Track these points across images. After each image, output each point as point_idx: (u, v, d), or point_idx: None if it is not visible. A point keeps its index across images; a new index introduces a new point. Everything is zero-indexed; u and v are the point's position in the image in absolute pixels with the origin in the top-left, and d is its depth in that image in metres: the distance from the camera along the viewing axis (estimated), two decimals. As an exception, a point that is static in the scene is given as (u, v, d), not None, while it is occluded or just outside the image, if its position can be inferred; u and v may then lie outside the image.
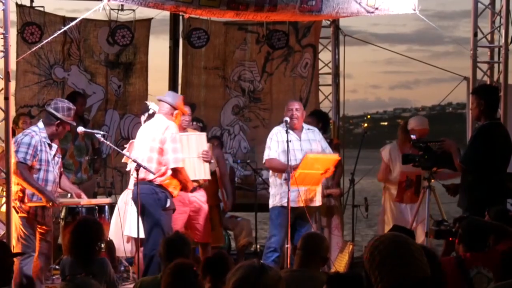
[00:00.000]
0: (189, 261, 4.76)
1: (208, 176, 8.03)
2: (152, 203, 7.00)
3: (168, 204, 7.07)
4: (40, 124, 6.84)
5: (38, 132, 6.76)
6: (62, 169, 7.17)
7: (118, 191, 8.75)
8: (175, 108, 7.21)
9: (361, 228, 14.21)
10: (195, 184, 7.84)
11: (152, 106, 7.49)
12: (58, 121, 6.76)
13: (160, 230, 6.93)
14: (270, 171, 7.91)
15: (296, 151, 7.61)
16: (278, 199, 7.73)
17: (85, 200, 7.36)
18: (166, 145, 7.03)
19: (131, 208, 7.43)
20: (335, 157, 7.94)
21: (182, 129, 7.99)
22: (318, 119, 8.91)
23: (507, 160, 6.81)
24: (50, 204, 6.76)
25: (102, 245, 5.76)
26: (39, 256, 6.79)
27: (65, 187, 7.22)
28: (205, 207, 7.98)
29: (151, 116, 7.45)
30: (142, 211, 6.90)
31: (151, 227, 6.98)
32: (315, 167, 7.64)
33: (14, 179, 6.73)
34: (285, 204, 7.60)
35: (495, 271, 4.60)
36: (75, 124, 6.94)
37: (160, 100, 7.29)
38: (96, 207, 7.95)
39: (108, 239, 7.72)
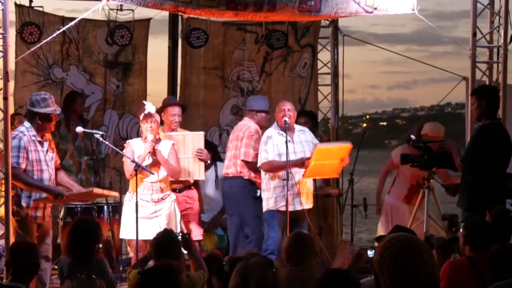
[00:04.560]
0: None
1: (202, 177, 8.04)
2: (246, 195, 8.01)
3: (259, 193, 7.99)
4: (26, 123, 6.76)
5: (26, 132, 6.68)
6: (58, 164, 7.07)
7: (117, 191, 8.74)
8: (255, 112, 8.15)
9: (360, 228, 14.22)
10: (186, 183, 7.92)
11: (148, 106, 7.46)
12: (38, 115, 6.69)
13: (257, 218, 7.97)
14: (263, 174, 7.86)
15: (290, 153, 7.53)
16: (272, 203, 7.69)
17: (96, 190, 7.24)
18: (243, 140, 8.00)
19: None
20: (348, 145, 7.89)
21: (171, 130, 8.01)
22: (313, 120, 8.93)
23: (507, 160, 6.80)
24: (59, 198, 6.70)
25: (100, 245, 5.75)
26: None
27: (63, 183, 7.00)
28: (196, 205, 8.00)
29: (146, 116, 7.42)
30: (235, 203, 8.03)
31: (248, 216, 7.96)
32: (328, 158, 7.61)
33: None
34: (281, 209, 7.58)
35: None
36: (58, 112, 6.84)
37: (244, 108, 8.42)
38: (95, 207, 7.96)
39: (106, 238, 7.71)
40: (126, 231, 7.38)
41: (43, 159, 6.73)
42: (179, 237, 5.72)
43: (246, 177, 8.06)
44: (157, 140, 7.48)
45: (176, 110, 8.06)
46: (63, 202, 6.90)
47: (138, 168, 7.13)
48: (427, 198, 7.24)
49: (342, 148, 7.82)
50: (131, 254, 7.59)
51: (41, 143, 6.74)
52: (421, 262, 2.83)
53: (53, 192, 6.67)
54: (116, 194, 7.52)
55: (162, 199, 7.51)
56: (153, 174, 7.38)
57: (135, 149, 7.43)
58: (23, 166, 6.60)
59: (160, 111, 8.14)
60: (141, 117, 7.44)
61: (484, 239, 4.99)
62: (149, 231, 6.93)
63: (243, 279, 3.47)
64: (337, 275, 3.63)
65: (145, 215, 7.21)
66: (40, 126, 6.71)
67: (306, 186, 7.84)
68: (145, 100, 9.88)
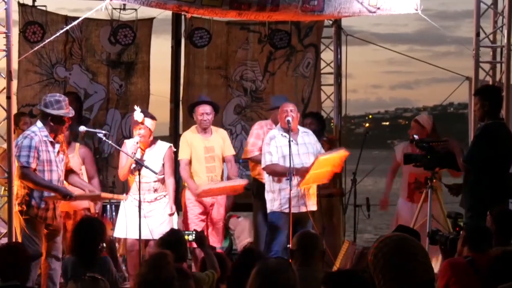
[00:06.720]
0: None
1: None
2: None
3: None
4: (39, 123, 6.79)
5: (38, 132, 6.69)
6: (70, 165, 7.10)
7: (119, 191, 8.75)
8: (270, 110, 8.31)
9: (363, 228, 14.22)
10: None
11: (136, 114, 7.49)
12: (50, 117, 6.72)
13: None
14: (266, 175, 7.81)
15: (294, 155, 7.48)
16: (277, 205, 7.65)
17: (104, 194, 7.32)
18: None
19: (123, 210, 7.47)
20: (345, 153, 7.87)
21: (202, 129, 7.95)
22: (319, 121, 8.91)
23: (510, 160, 6.80)
24: (67, 198, 6.72)
25: (104, 244, 5.76)
26: (47, 258, 6.72)
27: (75, 183, 7.09)
28: (222, 211, 7.98)
29: (134, 123, 7.52)
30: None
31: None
32: (324, 166, 7.60)
33: (18, 182, 6.69)
34: (286, 211, 7.54)
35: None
36: (71, 115, 6.84)
37: None
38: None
39: (110, 238, 7.72)
40: (120, 230, 7.47)
41: (54, 159, 6.74)
42: (193, 235, 5.72)
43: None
44: (151, 142, 7.55)
45: (206, 108, 7.94)
46: (71, 201, 6.93)
47: (140, 167, 7.14)
48: (430, 198, 7.24)
49: (339, 156, 7.81)
50: (120, 252, 7.69)
51: (52, 144, 6.75)
52: (415, 262, 2.84)
53: (62, 192, 6.68)
54: (123, 197, 7.54)
55: (156, 199, 7.53)
56: (156, 173, 7.40)
57: (129, 149, 7.48)
58: (33, 165, 6.59)
59: (190, 111, 8.10)
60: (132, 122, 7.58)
61: (483, 240, 5.00)
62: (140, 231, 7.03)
63: (266, 283, 3.46)
64: (348, 276, 3.62)
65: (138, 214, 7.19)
66: (52, 127, 6.74)
67: (311, 188, 7.80)
68: (148, 99, 9.95)
